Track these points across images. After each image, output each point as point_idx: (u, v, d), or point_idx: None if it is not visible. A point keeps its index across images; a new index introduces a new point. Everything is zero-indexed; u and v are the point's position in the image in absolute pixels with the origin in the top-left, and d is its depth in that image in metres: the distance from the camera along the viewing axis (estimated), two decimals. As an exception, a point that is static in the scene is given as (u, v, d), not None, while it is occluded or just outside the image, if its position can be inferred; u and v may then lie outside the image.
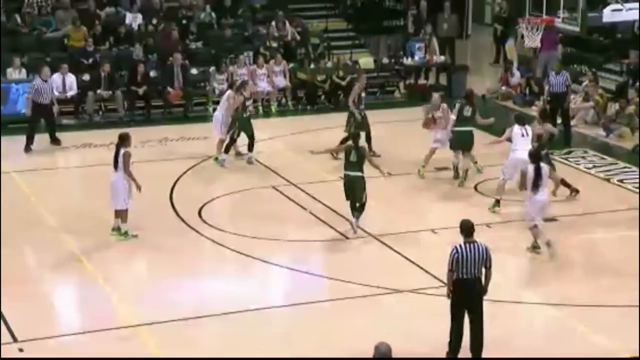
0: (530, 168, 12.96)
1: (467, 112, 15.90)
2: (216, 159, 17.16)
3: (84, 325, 11.38)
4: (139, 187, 13.49)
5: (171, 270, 12.87)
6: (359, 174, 13.75)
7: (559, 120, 18.26)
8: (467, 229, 10.04)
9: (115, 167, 13.51)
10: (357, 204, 13.79)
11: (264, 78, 21.23)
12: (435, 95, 17.00)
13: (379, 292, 11.96)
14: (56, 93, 19.46)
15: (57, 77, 19.83)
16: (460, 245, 9.96)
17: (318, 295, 12.11)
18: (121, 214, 13.55)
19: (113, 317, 11.43)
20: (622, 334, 10.83)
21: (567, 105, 18.80)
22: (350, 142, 14.21)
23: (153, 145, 18.35)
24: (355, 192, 13.74)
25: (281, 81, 21.45)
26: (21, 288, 12.01)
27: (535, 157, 13.09)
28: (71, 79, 20.20)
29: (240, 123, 17.04)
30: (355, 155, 13.77)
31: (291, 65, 21.96)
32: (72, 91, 20.20)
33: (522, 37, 21.15)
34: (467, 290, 9.94)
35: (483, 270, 9.99)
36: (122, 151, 13.46)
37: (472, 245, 9.94)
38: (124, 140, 13.54)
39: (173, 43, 21.80)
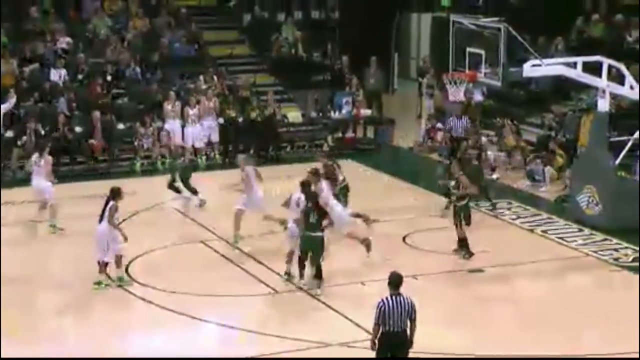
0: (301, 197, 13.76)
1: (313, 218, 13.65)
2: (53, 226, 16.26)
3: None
4: (125, 238, 13.83)
5: (98, 328, 12.61)
6: (320, 234, 13.60)
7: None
8: (395, 281, 10.10)
9: (102, 218, 13.78)
10: (314, 267, 13.64)
11: (195, 119, 21.34)
12: (240, 157, 17.24)
13: (308, 346, 11.88)
14: None
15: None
16: (387, 298, 10.00)
17: (246, 350, 11.97)
18: (116, 262, 13.79)
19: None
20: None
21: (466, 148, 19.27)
22: (309, 205, 13.67)
23: (78, 201, 18.08)
24: (315, 252, 13.58)
25: (212, 129, 21.56)
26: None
27: (305, 186, 13.84)
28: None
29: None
30: (314, 216, 13.58)
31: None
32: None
33: (442, 90, 21.73)
34: (394, 343, 9.97)
35: (408, 322, 10.02)
36: (110, 203, 13.80)
37: (398, 297, 9.99)
38: (115, 194, 13.90)
39: (98, 98, 21.71)
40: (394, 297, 9.98)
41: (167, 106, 21.52)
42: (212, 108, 21.82)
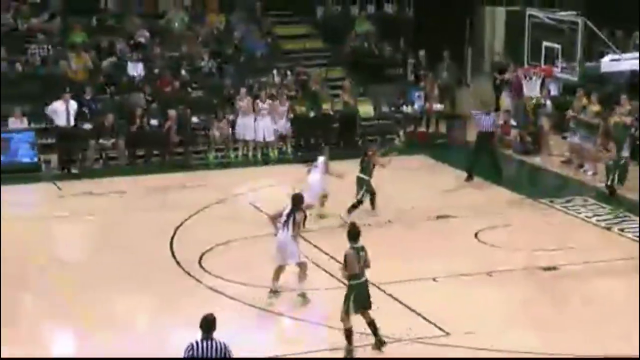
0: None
1: None
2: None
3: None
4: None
5: (170, 319, 12.80)
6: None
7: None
8: (206, 325, 9.08)
9: (285, 226, 13.19)
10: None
11: (265, 113, 21.44)
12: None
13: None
14: (62, 122, 19.85)
15: (59, 105, 20.06)
16: (196, 342, 9.03)
17: (318, 344, 12.02)
18: (302, 268, 13.28)
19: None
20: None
21: (494, 143, 19.45)
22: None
23: (154, 194, 18.39)
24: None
25: (283, 126, 21.61)
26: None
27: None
28: (75, 106, 20.30)
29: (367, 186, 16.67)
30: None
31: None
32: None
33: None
34: None
35: None
36: (297, 214, 13.21)
37: (209, 342, 9.03)
38: (298, 201, 13.28)
39: (173, 91, 22.04)
40: (204, 342, 9.02)
41: (240, 102, 21.65)
42: (284, 110, 21.86)
